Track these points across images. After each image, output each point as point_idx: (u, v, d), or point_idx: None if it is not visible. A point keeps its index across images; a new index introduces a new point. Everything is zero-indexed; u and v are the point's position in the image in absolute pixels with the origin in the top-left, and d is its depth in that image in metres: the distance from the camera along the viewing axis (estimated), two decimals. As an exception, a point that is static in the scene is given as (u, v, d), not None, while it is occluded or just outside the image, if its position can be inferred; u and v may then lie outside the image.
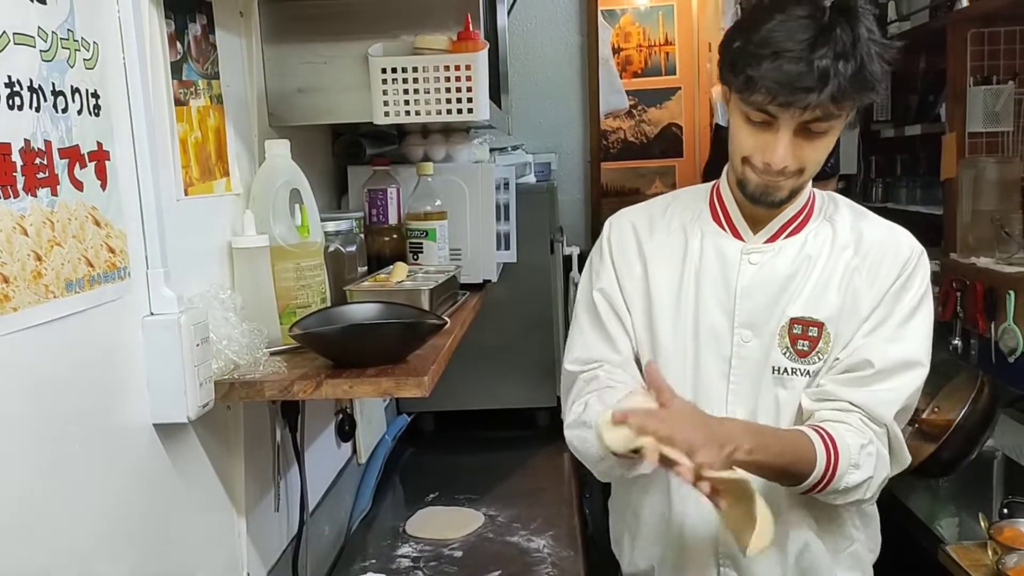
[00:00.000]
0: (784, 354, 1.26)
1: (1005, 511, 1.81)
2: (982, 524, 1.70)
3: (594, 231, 3.33)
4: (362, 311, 1.25)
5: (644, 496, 1.37)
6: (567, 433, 1.35)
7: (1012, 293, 2.12)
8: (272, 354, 1.21)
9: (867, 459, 1.20)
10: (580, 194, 3.12)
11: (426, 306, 1.39)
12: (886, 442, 1.24)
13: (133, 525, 1.01)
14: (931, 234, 2.44)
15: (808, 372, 1.25)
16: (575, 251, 2.61)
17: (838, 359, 1.25)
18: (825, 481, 1.19)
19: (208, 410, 1.08)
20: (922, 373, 1.25)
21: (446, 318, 1.32)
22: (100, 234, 0.94)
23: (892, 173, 3.02)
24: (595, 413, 1.21)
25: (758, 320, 1.27)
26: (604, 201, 3.36)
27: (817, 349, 1.25)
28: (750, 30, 1.16)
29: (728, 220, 1.32)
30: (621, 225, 1.38)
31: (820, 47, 1.11)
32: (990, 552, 1.61)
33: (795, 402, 1.26)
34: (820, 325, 1.25)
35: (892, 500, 2.06)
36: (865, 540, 1.36)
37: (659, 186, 4.27)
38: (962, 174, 2.33)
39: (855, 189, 3.03)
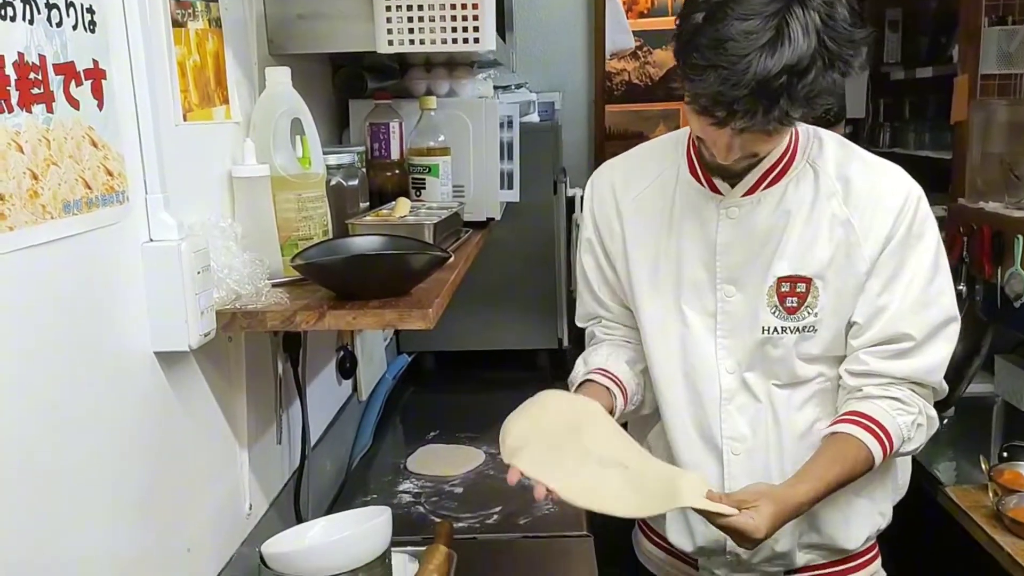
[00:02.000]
0: (773, 313, 1.22)
1: (1005, 455, 1.82)
2: (983, 466, 1.71)
3: (597, 173, 3.30)
4: (365, 243, 1.22)
5: (650, 431, 1.39)
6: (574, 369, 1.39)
7: (1020, 238, 2.10)
8: (274, 286, 1.19)
9: (918, 431, 1.22)
10: (584, 135, 3.08)
11: (430, 241, 1.37)
12: (932, 400, 1.24)
13: (135, 453, 1.00)
14: (939, 179, 2.41)
15: (798, 328, 1.22)
16: (578, 192, 2.57)
17: (857, 323, 1.20)
18: (883, 463, 1.21)
19: (209, 340, 1.06)
20: (956, 327, 1.23)
21: (450, 252, 1.30)
22: (97, 155, 0.91)
23: (900, 117, 2.97)
24: (578, 374, 1.33)
25: (740, 276, 1.24)
26: (607, 144, 3.31)
27: (806, 304, 1.21)
28: (707, 17, 1.03)
29: (705, 173, 1.25)
30: (600, 183, 1.36)
31: (768, 59, 0.99)
32: (990, 494, 1.61)
33: (786, 359, 1.23)
34: (808, 281, 1.20)
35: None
36: (879, 482, 1.30)
37: (663, 129, 4.19)
38: (973, 117, 2.29)
39: (862, 134, 2.99)
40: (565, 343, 2.51)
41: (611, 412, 1.25)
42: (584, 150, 3.11)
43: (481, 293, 2.35)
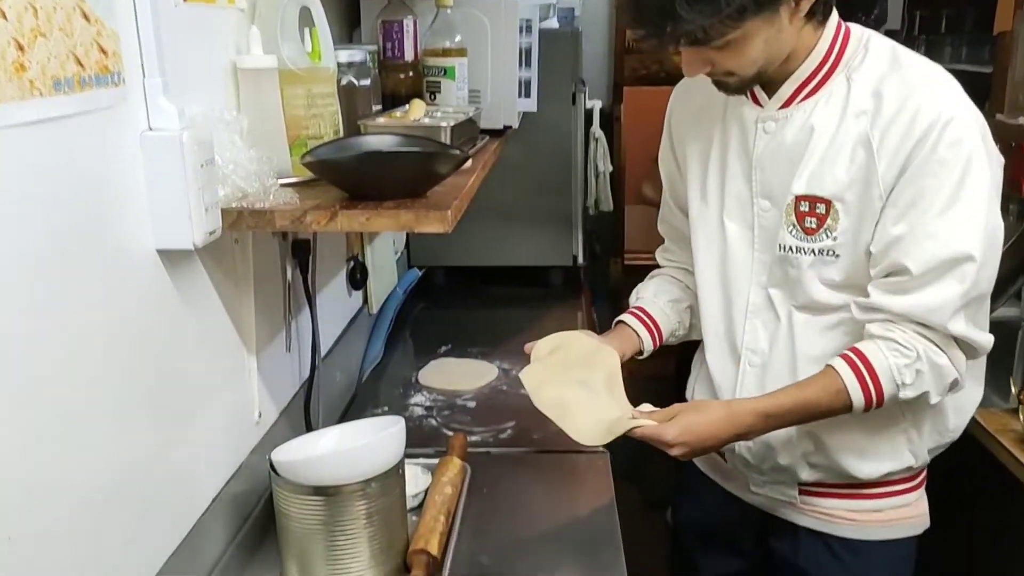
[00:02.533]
0: (791, 232, 1.19)
1: (1034, 378, 1.77)
2: (1012, 388, 1.66)
3: (616, 87, 3.18)
4: (379, 141, 1.15)
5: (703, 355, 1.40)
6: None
7: (1060, 156, 2.00)
8: (282, 186, 1.13)
9: (915, 376, 1.12)
10: (603, 47, 2.95)
11: (447, 143, 1.30)
12: (948, 348, 1.13)
13: (139, 357, 0.96)
14: (976, 94, 2.29)
15: (814, 251, 1.18)
16: (597, 104, 2.48)
17: (872, 253, 1.14)
18: (876, 401, 1.14)
19: (215, 239, 1.01)
20: (973, 268, 1.09)
21: (467, 154, 1.23)
22: (90, 31, 0.83)
23: (936, 30, 2.83)
24: (629, 303, 1.44)
25: (772, 191, 1.21)
26: (626, 58, 3.18)
27: (826, 226, 1.16)
28: None
29: (728, 93, 1.21)
30: (678, 93, 1.39)
31: None
32: (1021, 416, 1.57)
33: (802, 280, 1.20)
34: (827, 202, 1.15)
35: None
36: (912, 424, 1.25)
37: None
38: (1018, 27, 2.16)
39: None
40: (580, 260, 2.45)
41: (639, 353, 1.37)
42: (603, 63, 2.99)
43: (494, 207, 2.28)
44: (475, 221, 2.06)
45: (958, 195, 1.08)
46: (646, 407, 1.21)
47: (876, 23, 1.91)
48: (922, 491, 1.32)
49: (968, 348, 1.15)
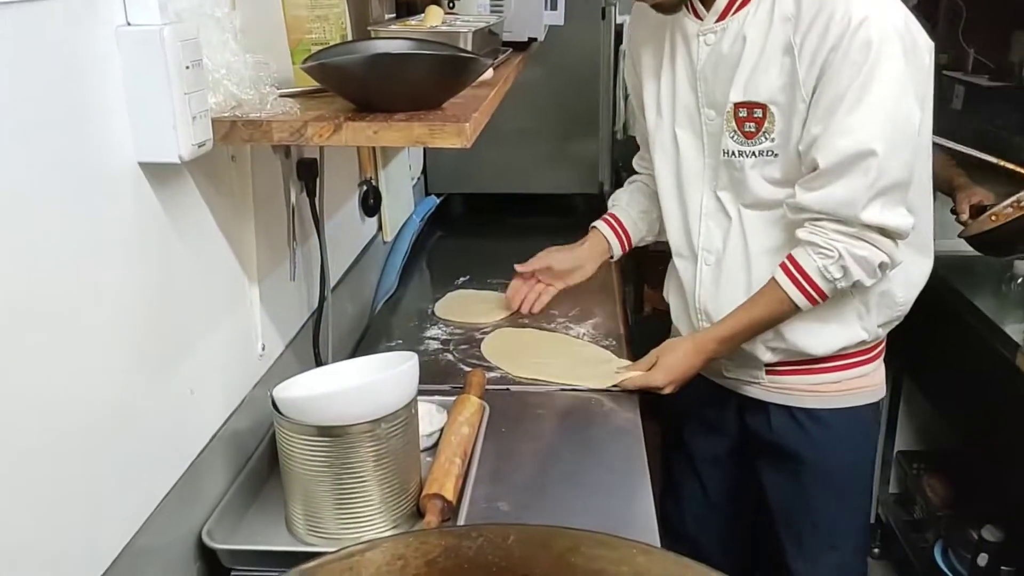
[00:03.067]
0: (732, 137, 1.27)
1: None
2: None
3: (647, 3, 2.98)
4: (391, 45, 1.03)
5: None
6: None
7: None
8: (282, 96, 1.01)
9: (843, 271, 1.23)
10: (635, -43, 2.75)
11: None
12: (869, 238, 1.22)
13: (124, 285, 0.86)
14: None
15: (755, 153, 1.26)
16: (627, 20, 2.30)
17: (800, 151, 1.23)
18: (817, 298, 1.26)
19: (205, 152, 0.90)
20: (876, 161, 1.17)
21: (490, 61, 1.10)
22: (47, -99, 0.71)
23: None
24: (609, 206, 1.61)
25: (717, 100, 1.29)
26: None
27: (763, 130, 1.25)
28: None
29: (666, 11, 1.29)
30: (634, 12, 1.47)
31: None
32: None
33: (747, 181, 1.28)
34: (763, 107, 1.24)
35: (960, 300, 1.93)
36: (861, 302, 1.34)
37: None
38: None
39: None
40: (606, 187, 2.32)
41: (610, 257, 1.57)
42: (634, -25, 2.78)
43: (516, 130, 2.16)
44: (495, 145, 1.94)
45: (865, 93, 1.15)
46: (624, 362, 1.46)
47: None
48: (879, 362, 1.43)
49: (890, 232, 1.23)
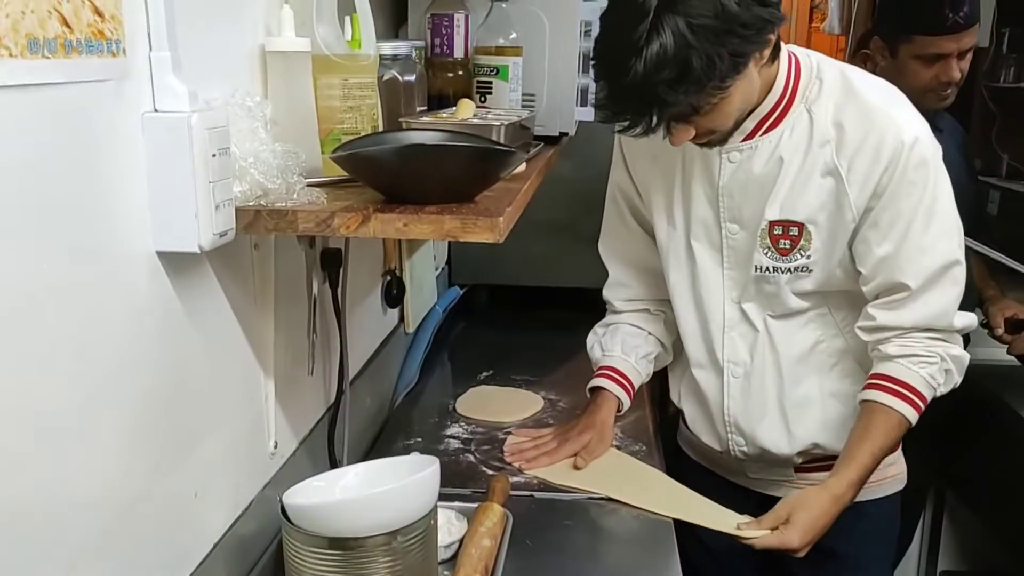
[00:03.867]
0: (766, 254, 1.27)
1: None
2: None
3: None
4: (423, 136, 1.00)
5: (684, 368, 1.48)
6: (591, 335, 1.56)
7: None
8: (310, 185, 0.98)
9: (945, 375, 1.24)
10: (664, 56, 2.78)
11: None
12: (955, 339, 1.26)
13: (134, 373, 0.81)
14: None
15: (790, 269, 1.27)
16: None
17: (862, 272, 1.24)
18: (922, 410, 1.24)
19: (227, 241, 0.86)
20: (961, 270, 1.23)
21: (525, 153, 1.07)
22: (80, -15, 0.69)
23: (1027, 49, 2.62)
24: (595, 360, 1.51)
25: (742, 216, 1.29)
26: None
27: (799, 246, 1.26)
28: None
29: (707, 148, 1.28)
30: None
31: (637, 59, 1.02)
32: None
33: (779, 294, 1.29)
34: (800, 225, 1.24)
35: (1007, 411, 1.83)
36: None
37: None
38: None
39: (982, 66, 2.65)
40: (633, 283, 2.27)
41: (618, 409, 1.45)
42: (663, 74, 2.80)
43: (544, 223, 2.12)
44: (523, 237, 1.90)
45: (934, 210, 1.19)
46: (745, 518, 1.28)
47: (967, 20, 1.74)
48: (899, 450, 1.41)
49: (964, 333, 1.27)
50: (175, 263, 0.86)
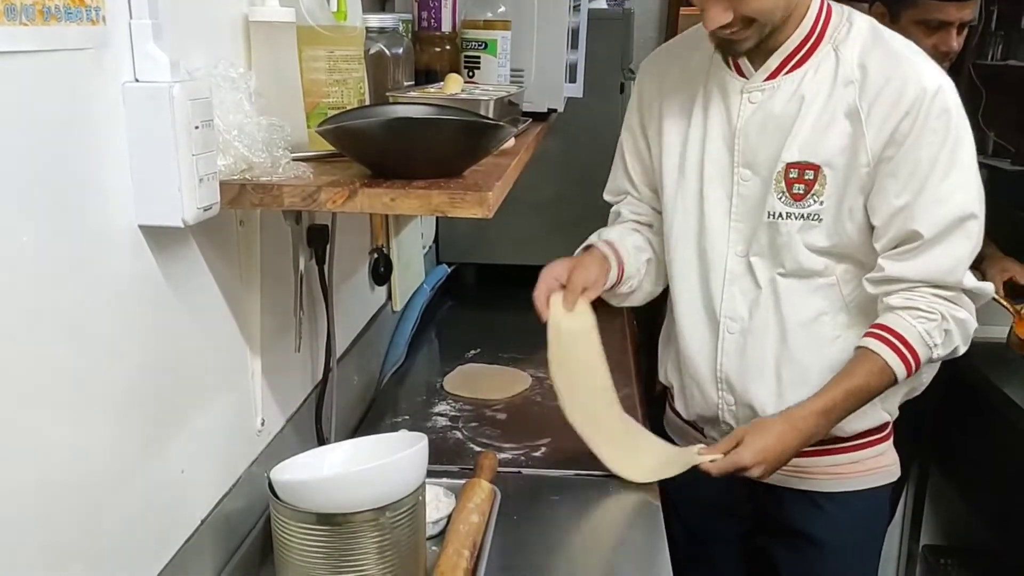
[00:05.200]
0: (779, 198, 1.23)
1: None
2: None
3: (664, 79, 2.98)
4: (411, 110, 0.99)
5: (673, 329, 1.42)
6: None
7: None
8: (295, 159, 0.96)
9: (944, 335, 1.20)
10: (654, 33, 2.76)
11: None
12: (963, 302, 1.21)
13: (116, 349, 0.80)
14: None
15: (803, 215, 1.23)
16: (643, 68, 2.28)
17: (876, 226, 1.20)
18: (916, 369, 1.20)
19: (211, 216, 0.84)
20: (977, 224, 1.18)
21: (514, 128, 1.06)
22: (57, -50, 0.67)
23: (1016, 26, 2.62)
24: (588, 241, 1.40)
25: (756, 160, 1.25)
26: (674, 49, 2.99)
27: (813, 192, 1.22)
28: None
29: (734, 57, 1.26)
30: (648, 67, 1.42)
31: None
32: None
33: (791, 245, 1.24)
34: (816, 168, 1.21)
35: (993, 390, 1.84)
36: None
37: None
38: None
39: (971, 43, 2.64)
40: (621, 262, 2.27)
41: (603, 281, 1.34)
42: (654, 49, 2.78)
43: (531, 201, 2.11)
44: (510, 215, 1.88)
45: (954, 160, 1.16)
46: (700, 447, 1.27)
47: None
48: (891, 442, 1.39)
49: (974, 297, 1.22)
50: (159, 238, 0.84)
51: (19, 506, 0.68)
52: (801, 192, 1.22)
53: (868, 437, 1.35)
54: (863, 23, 1.22)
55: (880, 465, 1.37)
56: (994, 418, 1.83)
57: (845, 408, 1.22)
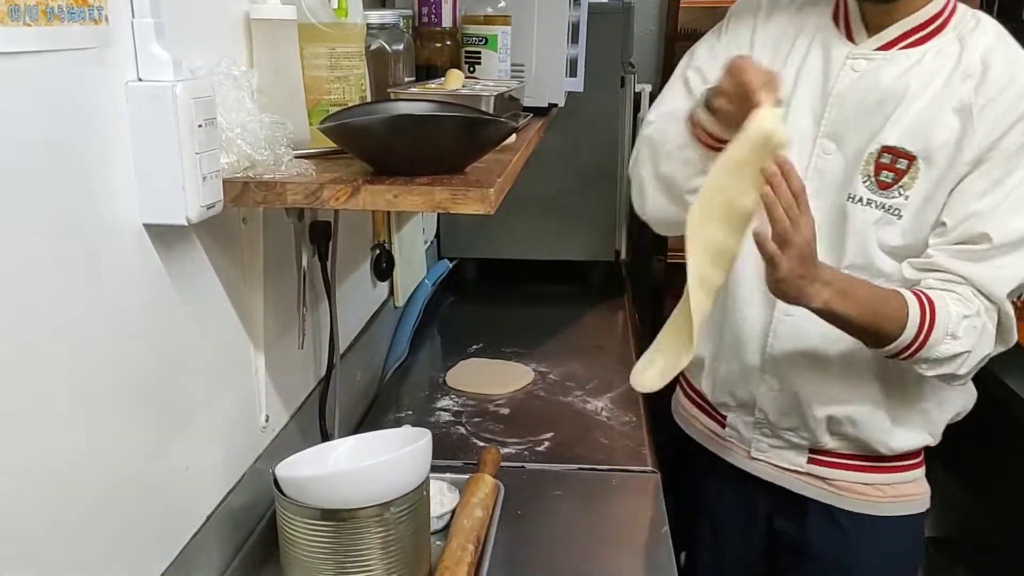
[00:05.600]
0: (864, 183, 1.14)
1: None
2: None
3: (667, 72, 2.98)
4: (413, 106, 0.99)
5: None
6: (645, 130, 1.31)
7: None
8: (298, 157, 0.97)
9: (969, 331, 1.09)
10: (654, 26, 2.76)
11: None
12: (995, 319, 1.12)
13: (122, 347, 0.80)
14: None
15: (883, 206, 1.13)
16: (646, 89, 2.29)
17: (944, 223, 1.11)
18: (916, 346, 1.09)
19: (215, 214, 0.85)
20: None
21: (516, 124, 1.06)
22: (60, -50, 0.68)
23: (1016, 17, 2.61)
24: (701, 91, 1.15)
25: (844, 133, 1.15)
26: (676, 44, 2.99)
27: (900, 183, 1.13)
28: None
29: (846, 18, 1.18)
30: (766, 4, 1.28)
31: None
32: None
33: (863, 234, 1.14)
34: (912, 158, 1.12)
35: (997, 384, 1.85)
36: (937, 402, 1.24)
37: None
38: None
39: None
40: (623, 256, 2.27)
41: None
42: (653, 44, 2.80)
43: (532, 196, 2.12)
44: (511, 211, 1.89)
45: None
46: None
47: None
48: (924, 470, 1.31)
49: (1003, 329, 1.13)
50: (163, 236, 0.85)
51: (24, 503, 0.68)
52: (889, 181, 1.13)
53: (905, 460, 1.27)
54: (989, 22, 1.15)
55: (912, 493, 1.29)
56: (995, 408, 1.83)
57: (858, 301, 1.08)
